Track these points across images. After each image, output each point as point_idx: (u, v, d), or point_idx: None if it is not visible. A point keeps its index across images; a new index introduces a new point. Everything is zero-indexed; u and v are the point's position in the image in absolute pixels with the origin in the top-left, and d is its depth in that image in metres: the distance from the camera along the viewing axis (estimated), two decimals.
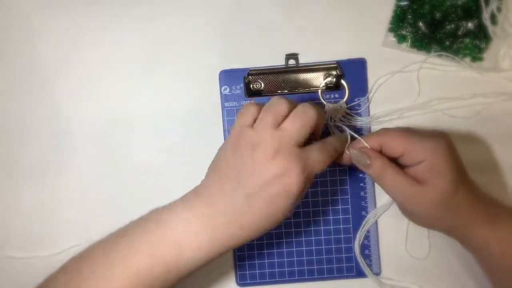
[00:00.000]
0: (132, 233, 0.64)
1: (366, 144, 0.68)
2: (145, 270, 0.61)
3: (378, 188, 0.78)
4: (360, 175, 0.77)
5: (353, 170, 0.77)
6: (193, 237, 0.61)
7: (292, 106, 0.64)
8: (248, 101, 0.77)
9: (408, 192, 0.65)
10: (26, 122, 0.79)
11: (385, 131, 0.69)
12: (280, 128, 0.62)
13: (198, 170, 0.73)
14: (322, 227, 0.77)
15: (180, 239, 0.61)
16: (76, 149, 0.79)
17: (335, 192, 0.78)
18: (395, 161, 0.68)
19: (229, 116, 0.77)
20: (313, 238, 0.78)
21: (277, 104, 0.63)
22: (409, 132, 0.68)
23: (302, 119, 0.63)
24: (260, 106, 0.65)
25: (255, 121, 0.64)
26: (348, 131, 0.71)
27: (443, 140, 0.66)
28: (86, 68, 0.79)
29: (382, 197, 0.78)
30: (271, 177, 0.60)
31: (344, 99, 0.77)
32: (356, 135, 0.70)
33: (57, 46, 0.79)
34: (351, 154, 0.68)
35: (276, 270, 0.78)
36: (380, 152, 0.68)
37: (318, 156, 0.63)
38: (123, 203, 0.78)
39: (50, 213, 0.78)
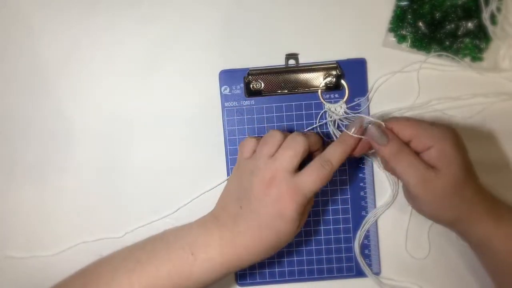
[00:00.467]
0: (151, 244, 0.69)
1: (383, 124, 0.69)
2: (162, 279, 0.65)
3: (378, 188, 0.78)
4: (360, 175, 0.77)
5: (353, 170, 0.77)
6: (205, 251, 0.66)
7: (285, 136, 0.68)
8: (248, 101, 0.78)
9: (422, 175, 0.65)
10: (26, 122, 0.79)
11: (393, 118, 0.71)
12: (274, 157, 0.67)
13: (198, 169, 0.73)
14: (322, 227, 0.77)
15: (195, 251, 0.65)
16: (76, 149, 0.79)
17: (335, 192, 0.78)
18: None
19: (229, 116, 0.77)
20: (313, 238, 0.78)
21: (271, 136, 0.68)
22: (417, 119, 0.69)
23: (292, 147, 0.67)
24: (258, 139, 0.70)
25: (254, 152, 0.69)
26: (363, 116, 0.71)
27: (451, 129, 0.67)
28: (86, 68, 0.79)
29: (382, 197, 0.78)
30: (268, 203, 0.65)
31: (344, 99, 0.77)
32: (372, 119, 0.70)
33: (57, 46, 0.79)
34: (369, 130, 0.69)
35: (276, 270, 0.78)
36: None
37: (310, 177, 0.66)
38: (123, 202, 0.78)
39: (50, 213, 0.78)
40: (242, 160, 0.70)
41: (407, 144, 0.67)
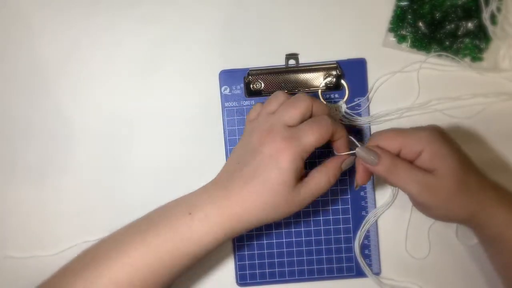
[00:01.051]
0: (154, 212, 0.69)
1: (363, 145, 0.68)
2: (165, 244, 0.65)
3: (378, 188, 0.78)
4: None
5: (353, 170, 0.77)
6: (202, 210, 0.65)
7: (289, 97, 0.68)
8: (248, 101, 0.78)
9: (423, 182, 0.64)
10: (26, 122, 0.79)
11: (376, 133, 0.70)
12: (275, 113, 0.67)
13: (198, 170, 0.73)
14: (322, 227, 0.77)
15: (192, 211, 0.65)
16: (76, 149, 0.79)
17: (335, 192, 0.78)
18: None
19: (229, 116, 0.77)
20: (313, 238, 0.78)
21: (275, 96, 0.69)
22: (400, 129, 0.69)
23: (293, 103, 0.66)
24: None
25: None
26: (351, 138, 0.70)
27: (435, 128, 0.67)
28: (86, 68, 0.79)
29: (382, 197, 0.78)
30: (264, 154, 0.64)
31: (344, 99, 0.77)
32: (354, 140, 0.69)
33: (57, 46, 0.79)
34: (357, 154, 0.68)
35: (276, 270, 0.78)
36: None
37: (307, 129, 0.65)
38: (123, 202, 0.78)
39: (50, 213, 0.78)
40: (247, 123, 0.70)
41: (397, 155, 0.67)
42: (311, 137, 0.64)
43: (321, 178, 0.67)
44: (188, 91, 0.78)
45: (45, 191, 0.79)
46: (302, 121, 0.66)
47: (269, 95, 0.74)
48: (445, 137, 0.66)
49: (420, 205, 0.68)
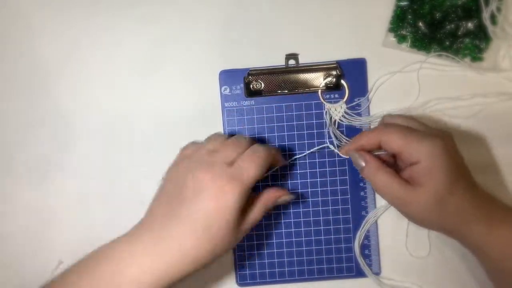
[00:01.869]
0: (76, 270, 0.63)
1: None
2: None
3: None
4: (360, 175, 0.77)
5: (352, 170, 0.77)
6: (130, 272, 0.60)
7: (228, 138, 0.69)
8: (248, 101, 0.78)
9: (398, 195, 0.66)
10: (26, 122, 0.79)
11: (384, 127, 0.70)
12: (215, 152, 0.65)
13: None
14: (322, 227, 0.77)
15: (117, 276, 0.60)
16: (76, 149, 0.79)
17: (335, 192, 0.78)
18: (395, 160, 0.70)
19: (229, 116, 0.77)
20: (313, 238, 0.78)
21: (214, 135, 0.70)
22: (408, 130, 0.67)
23: (233, 142, 0.67)
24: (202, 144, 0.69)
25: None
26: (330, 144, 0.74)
27: (440, 142, 0.65)
28: (86, 68, 0.79)
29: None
30: (205, 197, 0.61)
31: (344, 99, 0.77)
32: (333, 148, 0.74)
33: (57, 46, 0.79)
34: (349, 155, 0.71)
35: (276, 270, 0.78)
36: (380, 147, 0.69)
37: (246, 163, 0.64)
38: (123, 202, 0.78)
39: (50, 213, 0.78)
40: (180, 159, 0.68)
41: (397, 154, 0.68)
42: (252, 172, 0.64)
43: (259, 212, 0.67)
44: (188, 91, 0.78)
45: (45, 191, 0.79)
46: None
47: (269, 96, 0.75)
48: (446, 153, 0.65)
49: (399, 211, 0.69)
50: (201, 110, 0.78)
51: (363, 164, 0.68)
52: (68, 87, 0.79)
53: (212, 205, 0.60)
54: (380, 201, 0.78)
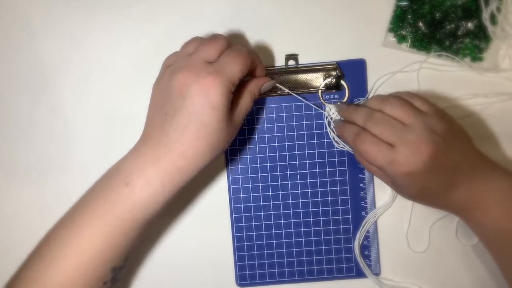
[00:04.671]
0: (88, 195, 0.67)
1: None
2: (108, 223, 0.63)
3: (378, 189, 0.78)
4: (360, 175, 0.78)
5: (352, 170, 0.77)
6: (140, 175, 0.63)
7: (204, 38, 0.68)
8: None
9: (386, 154, 0.65)
10: (26, 122, 0.79)
11: (387, 97, 0.70)
12: (192, 53, 0.66)
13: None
14: (322, 228, 0.77)
15: (129, 180, 0.63)
16: (76, 149, 0.79)
17: (335, 193, 0.78)
18: None
19: None
20: (312, 238, 0.78)
21: (192, 39, 0.69)
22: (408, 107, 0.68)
23: (210, 41, 0.66)
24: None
25: None
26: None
27: (429, 146, 0.64)
28: (86, 68, 0.79)
29: (382, 198, 0.78)
30: (192, 96, 0.62)
31: (344, 100, 0.77)
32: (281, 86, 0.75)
33: (57, 46, 0.79)
34: (334, 123, 0.74)
35: (276, 270, 0.78)
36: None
37: (228, 58, 0.64)
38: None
39: (50, 213, 0.78)
40: (163, 69, 0.68)
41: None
42: (235, 67, 0.64)
43: (248, 101, 0.69)
44: None
45: (45, 191, 0.79)
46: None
47: (269, 96, 0.75)
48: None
49: (392, 184, 0.69)
50: None
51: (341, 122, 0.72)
52: (68, 87, 0.79)
53: (200, 102, 0.61)
54: (380, 202, 0.78)
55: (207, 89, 0.61)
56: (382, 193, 0.77)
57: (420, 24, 0.77)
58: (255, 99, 0.70)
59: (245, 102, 0.68)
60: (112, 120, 0.79)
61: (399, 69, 0.77)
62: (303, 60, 0.77)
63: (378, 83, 0.77)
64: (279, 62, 0.78)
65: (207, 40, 0.66)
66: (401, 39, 0.77)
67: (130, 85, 0.79)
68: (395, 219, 0.78)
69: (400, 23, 0.77)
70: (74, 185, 0.77)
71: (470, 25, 0.76)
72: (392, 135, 0.66)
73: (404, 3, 0.77)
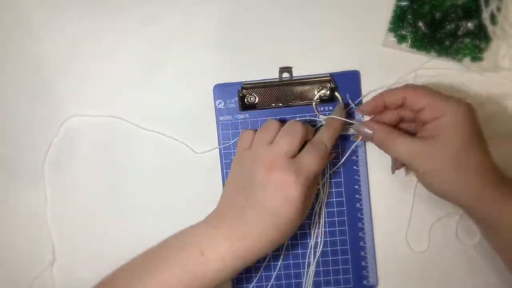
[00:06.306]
0: (163, 250, 0.69)
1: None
2: (176, 282, 0.65)
3: (374, 199, 0.78)
4: (355, 186, 0.78)
5: (348, 181, 0.77)
6: (216, 250, 0.65)
7: (282, 125, 0.70)
8: (243, 115, 0.78)
9: (416, 149, 0.66)
10: (26, 122, 0.79)
11: (409, 85, 0.71)
12: (273, 144, 0.68)
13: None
14: (319, 239, 0.78)
15: (205, 251, 0.65)
16: (76, 149, 0.79)
17: (331, 205, 0.78)
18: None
19: (224, 130, 0.77)
20: (308, 250, 0.78)
21: (269, 124, 0.70)
22: (434, 90, 0.68)
23: (290, 132, 0.68)
24: (255, 131, 0.71)
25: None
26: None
27: (465, 104, 0.66)
28: (86, 68, 0.79)
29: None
30: (273, 189, 0.65)
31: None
32: (348, 120, 0.74)
33: (57, 46, 0.79)
34: (354, 129, 0.73)
35: (273, 283, 0.78)
36: (402, 105, 0.69)
37: (309, 158, 0.67)
38: (124, 202, 0.79)
39: (50, 213, 0.79)
40: (241, 152, 0.71)
41: (419, 111, 0.67)
42: (314, 167, 0.67)
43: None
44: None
45: (45, 191, 0.79)
46: (300, 148, 0.68)
47: (264, 109, 0.74)
48: (470, 113, 0.66)
49: (417, 173, 0.69)
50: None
51: (371, 131, 0.70)
52: (68, 87, 0.79)
53: (280, 197, 0.65)
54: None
55: (288, 188, 0.65)
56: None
57: (420, 24, 0.76)
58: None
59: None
60: (112, 120, 0.79)
61: (396, 80, 0.77)
62: (297, 72, 0.77)
63: (372, 94, 0.76)
64: (273, 75, 0.77)
65: (287, 135, 0.68)
66: (401, 39, 0.77)
67: (130, 85, 0.79)
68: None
69: (400, 23, 0.77)
70: (74, 186, 0.78)
71: (470, 25, 0.76)
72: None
73: (404, 3, 0.76)
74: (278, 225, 0.66)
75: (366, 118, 0.75)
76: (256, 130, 0.72)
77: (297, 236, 0.78)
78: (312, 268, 0.77)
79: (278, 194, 0.65)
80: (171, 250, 0.68)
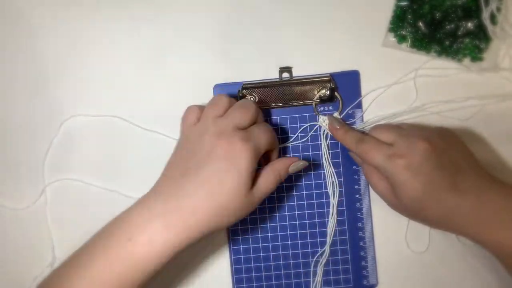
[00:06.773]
0: (88, 244, 0.64)
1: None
2: (108, 277, 0.60)
3: (373, 199, 0.78)
4: (355, 186, 0.78)
5: (347, 182, 0.77)
6: (146, 232, 0.60)
7: (231, 100, 0.68)
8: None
9: (388, 151, 0.67)
10: (26, 122, 0.79)
11: (376, 126, 0.72)
12: (224, 116, 0.65)
13: None
14: (318, 239, 0.78)
15: (133, 236, 0.60)
16: (76, 149, 0.79)
17: (330, 205, 0.78)
18: None
19: None
20: (309, 250, 0.78)
21: (218, 99, 0.67)
22: (398, 126, 0.70)
23: (244, 106, 0.66)
24: (202, 107, 0.68)
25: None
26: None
27: (425, 142, 0.65)
28: (86, 68, 0.79)
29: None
30: (218, 154, 0.62)
31: (338, 111, 0.76)
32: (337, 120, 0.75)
33: (56, 46, 0.79)
34: (329, 119, 0.76)
35: (274, 283, 0.78)
36: None
37: (259, 129, 0.66)
38: (124, 202, 0.78)
39: (50, 213, 0.79)
40: (187, 128, 0.67)
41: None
42: (264, 139, 0.65)
43: (271, 180, 0.67)
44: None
45: (45, 191, 0.79)
46: (250, 125, 0.66)
47: (263, 109, 0.75)
48: (429, 152, 0.65)
49: (393, 186, 0.68)
50: None
51: (338, 124, 0.74)
52: (68, 87, 0.79)
53: (224, 165, 0.61)
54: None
55: (236, 153, 0.61)
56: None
57: (420, 24, 0.76)
58: (281, 181, 0.68)
59: (268, 181, 0.66)
60: (112, 120, 0.79)
61: (396, 80, 0.77)
62: (297, 72, 0.77)
63: (371, 95, 0.77)
64: (273, 74, 0.77)
65: (240, 108, 0.66)
66: (401, 39, 0.77)
67: (130, 85, 0.79)
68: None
69: (400, 23, 0.77)
70: (74, 186, 0.78)
71: (470, 25, 0.76)
72: (391, 134, 0.68)
73: (404, 3, 0.76)
74: (221, 193, 0.61)
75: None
76: (203, 105, 0.69)
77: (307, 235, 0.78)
78: (321, 267, 0.78)
79: (226, 163, 0.61)
80: (98, 241, 0.63)
